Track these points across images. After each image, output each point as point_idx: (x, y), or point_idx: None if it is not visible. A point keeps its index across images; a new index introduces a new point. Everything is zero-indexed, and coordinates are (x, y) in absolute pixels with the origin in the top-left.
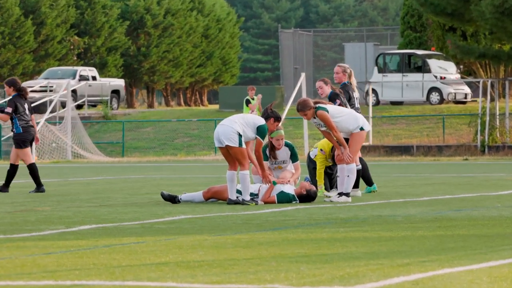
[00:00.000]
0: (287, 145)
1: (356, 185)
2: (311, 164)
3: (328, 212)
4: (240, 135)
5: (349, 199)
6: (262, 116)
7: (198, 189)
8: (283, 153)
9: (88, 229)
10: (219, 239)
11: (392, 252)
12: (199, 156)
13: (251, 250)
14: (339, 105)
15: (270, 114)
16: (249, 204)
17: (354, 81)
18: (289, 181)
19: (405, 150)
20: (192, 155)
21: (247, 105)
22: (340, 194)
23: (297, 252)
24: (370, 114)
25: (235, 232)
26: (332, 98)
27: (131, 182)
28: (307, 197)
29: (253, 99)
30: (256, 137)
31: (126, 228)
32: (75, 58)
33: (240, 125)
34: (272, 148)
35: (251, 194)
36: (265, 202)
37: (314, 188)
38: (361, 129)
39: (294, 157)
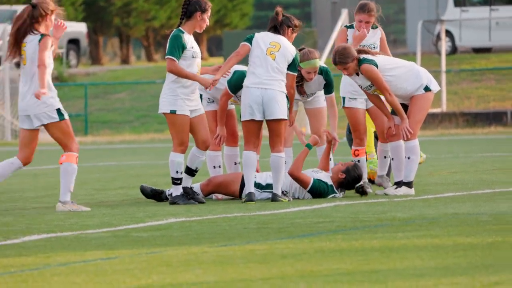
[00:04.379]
0: (320, 70)
1: (387, 174)
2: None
3: (380, 210)
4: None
5: (412, 190)
6: (270, 28)
7: (193, 180)
8: (314, 84)
9: (37, 241)
10: (224, 252)
11: (474, 267)
12: None
13: (270, 266)
14: None
15: (284, 21)
16: (282, 201)
17: None
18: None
19: (495, 118)
20: None
21: None
22: (398, 183)
23: (335, 268)
24: (443, 68)
25: (247, 241)
26: None
27: (98, 171)
28: (348, 182)
29: None
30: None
31: (90, 238)
32: None
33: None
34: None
35: (263, 187)
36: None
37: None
38: (426, 89)
39: (328, 88)
